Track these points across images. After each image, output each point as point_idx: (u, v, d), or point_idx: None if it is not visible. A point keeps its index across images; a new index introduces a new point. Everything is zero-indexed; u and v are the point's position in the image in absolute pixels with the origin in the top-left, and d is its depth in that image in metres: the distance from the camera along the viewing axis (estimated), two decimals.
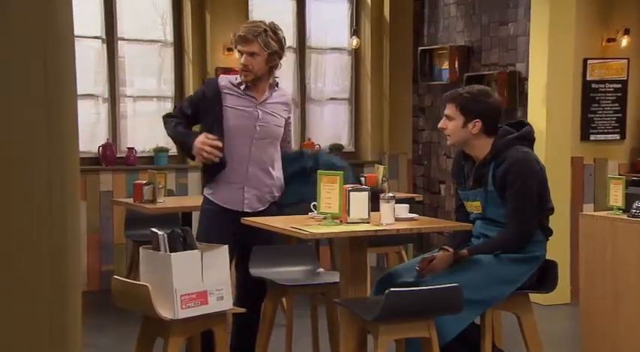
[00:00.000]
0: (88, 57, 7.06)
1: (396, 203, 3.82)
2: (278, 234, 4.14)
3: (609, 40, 6.77)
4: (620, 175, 6.06)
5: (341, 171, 3.75)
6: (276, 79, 4.29)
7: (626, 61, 6.82)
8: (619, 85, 6.84)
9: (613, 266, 4.62)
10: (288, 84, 7.75)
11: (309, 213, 3.96)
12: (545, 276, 4.03)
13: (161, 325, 3.50)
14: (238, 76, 4.20)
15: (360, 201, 3.70)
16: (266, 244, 4.22)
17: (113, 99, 7.25)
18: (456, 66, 7.61)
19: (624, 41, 6.74)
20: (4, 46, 1.48)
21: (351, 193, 3.69)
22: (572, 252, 6.21)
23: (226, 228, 4.12)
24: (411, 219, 3.92)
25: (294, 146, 5.21)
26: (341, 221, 3.70)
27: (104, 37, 7.16)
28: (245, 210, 4.18)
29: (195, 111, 4.23)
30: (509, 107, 6.85)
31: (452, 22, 7.89)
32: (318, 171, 3.80)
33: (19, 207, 1.51)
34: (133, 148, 7.23)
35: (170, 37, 7.47)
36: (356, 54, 8.31)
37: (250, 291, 4.26)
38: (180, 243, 3.53)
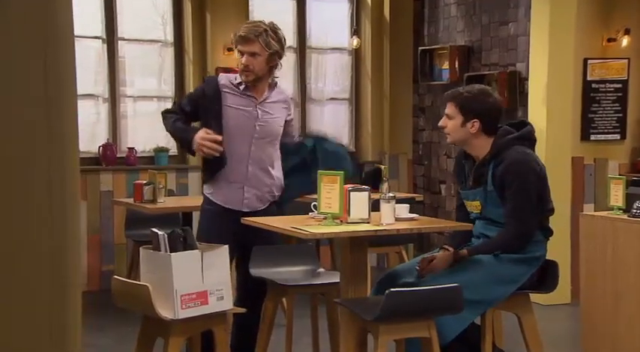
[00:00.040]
0: (88, 57, 7.06)
1: (397, 203, 3.82)
2: (278, 234, 4.14)
3: (610, 40, 6.77)
4: (620, 175, 6.06)
5: (341, 161, 3.75)
6: (276, 79, 4.29)
7: (626, 60, 6.82)
8: (619, 85, 6.84)
9: (613, 267, 4.62)
10: (289, 84, 7.75)
11: (310, 213, 3.96)
12: (545, 276, 4.03)
13: (161, 325, 3.50)
14: (238, 75, 4.20)
15: (360, 201, 3.70)
16: (266, 244, 4.22)
17: (113, 99, 7.25)
18: (456, 66, 7.60)
19: (625, 41, 6.74)
20: (4, 46, 1.48)
21: (351, 193, 3.69)
22: (572, 252, 6.21)
23: (226, 228, 4.11)
24: (412, 219, 3.92)
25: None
26: (341, 221, 3.70)
27: (104, 37, 7.16)
28: (245, 210, 4.18)
29: (194, 109, 4.23)
30: (510, 107, 6.84)
31: (452, 22, 7.89)
32: (319, 171, 3.79)
33: (19, 207, 1.51)
34: (133, 148, 7.23)
35: (170, 37, 7.47)
36: (356, 54, 8.31)
37: (250, 291, 4.25)
38: (180, 243, 3.53)
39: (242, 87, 4.18)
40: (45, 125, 1.53)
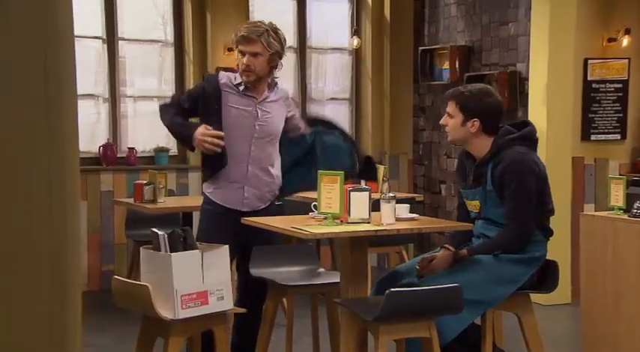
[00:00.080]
0: (89, 57, 7.06)
1: (397, 203, 3.82)
2: (278, 234, 4.14)
3: (610, 40, 6.76)
4: (620, 175, 6.06)
5: (340, 156, 3.74)
6: (276, 79, 4.28)
7: (626, 60, 6.82)
8: (620, 85, 6.84)
9: (614, 267, 4.62)
10: (289, 84, 7.75)
11: (310, 213, 3.96)
12: (545, 276, 4.03)
13: (161, 325, 3.50)
14: (238, 75, 4.18)
15: (360, 201, 3.70)
16: (266, 244, 4.22)
17: (114, 99, 7.25)
18: (457, 66, 7.60)
19: (625, 41, 6.73)
20: (4, 46, 1.48)
21: (351, 193, 3.69)
22: (572, 252, 6.21)
23: (226, 228, 4.11)
24: (412, 219, 3.92)
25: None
26: (341, 221, 3.71)
27: (104, 37, 7.16)
28: (245, 210, 4.18)
29: (192, 106, 4.21)
30: (510, 107, 6.84)
31: (452, 22, 7.88)
32: (319, 171, 3.79)
33: (19, 207, 1.51)
34: (133, 148, 7.23)
35: (171, 37, 7.47)
36: (356, 54, 8.31)
37: (251, 291, 4.25)
38: (180, 243, 3.53)
39: (242, 87, 4.17)
40: (45, 125, 1.53)
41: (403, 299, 3.49)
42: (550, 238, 4.03)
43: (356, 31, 8.16)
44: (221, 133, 4.09)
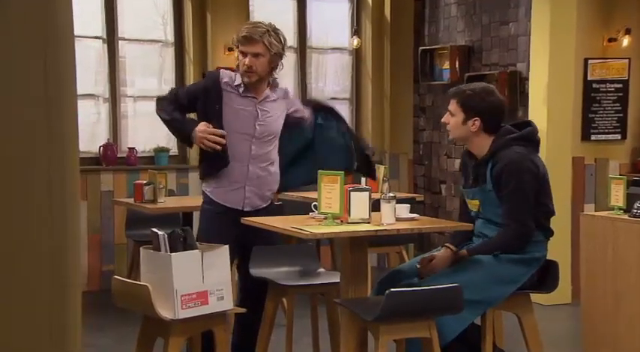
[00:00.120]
0: (89, 57, 7.06)
1: (397, 203, 3.82)
2: (278, 234, 4.14)
3: (610, 40, 6.76)
4: (621, 175, 6.06)
5: (338, 153, 3.73)
6: (276, 79, 4.28)
7: (627, 60, 6.82)
8: (620, 85, 6.84)
9: (614, 267, 4.62)
10: (289, 84, 7.75)
11: (310, 213, 3.96)
12: (546, 276, 4.03)
13: (161, 325, 3.50)
14: (237, 74, 4.17)
15: (360, 201, 3.70)
16: (267, 244, 4.22)
17: (114, 99, 7.25)
18: (457, 66, 7.60)
19: (625, 41, 6.73)
20: (4, 46, 1.48)
21: (351, 193, 3.69)
22: (573, 252, 6.21)
23: (226, 228, 4.11)
24: (412, 219, 3.92)
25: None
26: (342, 221, 3.71)
27: (105, 37, 7.16)
28: (246, 209, 4.18)
29: (192, 102, 4.19)
30: (510, 107, 6.83)
31: (452, 22, 7.88)
32: (319, 171, 3.79)
33: (19, 207, 1.51)
34: (133, 148, 7.23)
35: (171, 37, 7.47)
36: (357, 54, 8.30)
37: (251, 292, 4.25)
38: (180, 243, 3.53)
39: (242, 89, 4.16)
40: (45, 125, 1.53)
41: (403, 299, 3.49)
42: (550, 238, 4.03)
43: (356, 31, 8.16)
44: (223, 132, 4.09)
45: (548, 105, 6.40)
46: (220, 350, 3.65)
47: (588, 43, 6.72)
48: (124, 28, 7.27)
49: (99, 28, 7.13)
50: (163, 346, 3.52)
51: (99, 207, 7.02)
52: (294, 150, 4.39)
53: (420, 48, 8.08)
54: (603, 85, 6.80)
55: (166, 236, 3.51)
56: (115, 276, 3.81)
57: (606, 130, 6.85)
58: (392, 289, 3.48)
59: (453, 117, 4.04)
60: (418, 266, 3.92)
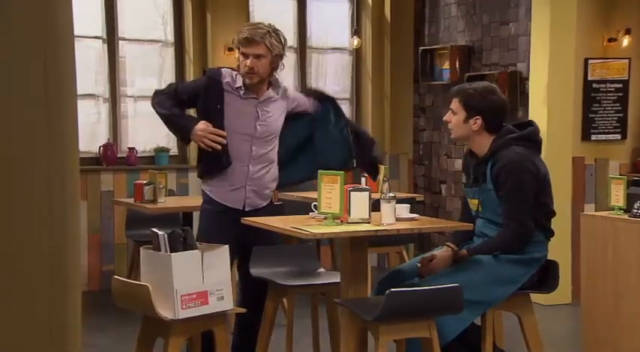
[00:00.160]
0: (89, 57, 7.06)
1: (397, 203, 3.82)
2: (278, 234, 4.14)
3: (610, 40, 6.76)
4: (621, 175, 6.06)
5: (337, 151, 3.73)
6: (277, 79, 4.28)
7: (627, 60, 6.82)
8: (620, 85, 6.84)
9: (614, 267, 4.62)
10: (290, 84, 7.75)
11: (310, 213, 3.96)
12: (546, 276, 4.03)
13: (161, 325, 3.50)
14: (237, 73, 4.17)
15: (360, 201, 3.70)
16: (267, 244, 4.22)
17: (114, 99, 7.25)
18: (457, 66, 7.60)
19: (625, 41, 6.73)
20: (4, 46, 1.48)
21: (351, 193, 3.69)
22: (573, 252, 6.21)
23: (226, 228, 4.11)
24: (412, 219, 3.92)
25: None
26: (342, 221, 3.70)
27: (105, 37, 7.16)
28: (246, 209, 4.18)
29: (191, 100, 4.17)
30: (510, 107, 6.83)
31: (452, 22, 7.88)
32: (319, 171, 3.79)
33: (19, 207, 1.51)
34: (133, 148, 7.23)
35: (171, 37, 7.47)
36: (357, 54, 8.30)
37: (252, 292, 4.25)
38: (180, 243, 3.53)
39: (242, 91, 4.16)
40: (45, 125, 1.53)
41: (403, 299, 3.49)
42: (551, 239, 4.03)
43: (356, 31, 8.16)
44: (224, 132, 4.09)
45: (548, 105, 6.40)
46: (220, 351, 3.65)
47: (588, 43, 6.72)
48: (124, 28, 7.26)
49: (99, 28, 7.13)
50: (163, 346, 3.52)
51: (99, 207, 7.02)
52: (294, 144, 4.38)
53: (420, 48, 8.08)
54: (603, 85, 6.80)
55: (166, 236, 3.51)
56: (115, 276, 3.81)
57: (606, 130, 6.85)
58: (392, 289, 3.47)
59: (454, 116, 4.04)
60: (419, 265, 3.92)
